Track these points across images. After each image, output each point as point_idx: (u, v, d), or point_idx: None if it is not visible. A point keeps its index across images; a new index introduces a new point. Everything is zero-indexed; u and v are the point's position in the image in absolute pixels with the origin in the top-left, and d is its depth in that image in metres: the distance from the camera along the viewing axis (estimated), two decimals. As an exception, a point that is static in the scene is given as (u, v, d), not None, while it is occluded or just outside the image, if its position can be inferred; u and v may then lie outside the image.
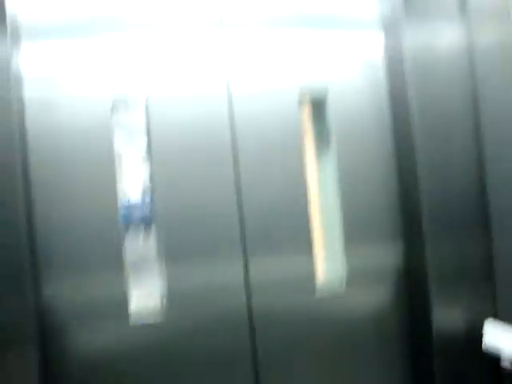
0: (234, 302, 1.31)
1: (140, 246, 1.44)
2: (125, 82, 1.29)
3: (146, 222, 1.46)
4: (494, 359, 1.26)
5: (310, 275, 1.36)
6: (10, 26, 1.16)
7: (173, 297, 1.27)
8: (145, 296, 1.32)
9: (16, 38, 1.21)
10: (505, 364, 1.22)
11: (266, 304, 1.32)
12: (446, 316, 1.34)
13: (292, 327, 1.33)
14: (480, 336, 1.30)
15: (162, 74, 1.30)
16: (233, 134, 1.32)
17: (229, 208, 1.31)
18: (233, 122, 1.33)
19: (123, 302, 1.25)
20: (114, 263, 1.25)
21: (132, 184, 1.50)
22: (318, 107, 1.45)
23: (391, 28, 1.40)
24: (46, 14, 1.26)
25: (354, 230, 1.39)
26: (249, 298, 1.31)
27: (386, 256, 1.42)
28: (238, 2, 1.36)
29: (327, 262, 1.47)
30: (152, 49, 1.30)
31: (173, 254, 1.28)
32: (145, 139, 1.31)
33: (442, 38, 1.37)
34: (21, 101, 1.20)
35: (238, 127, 1.32)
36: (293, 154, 1.36)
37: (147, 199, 1.46)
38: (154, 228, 1.30)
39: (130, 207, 1.48)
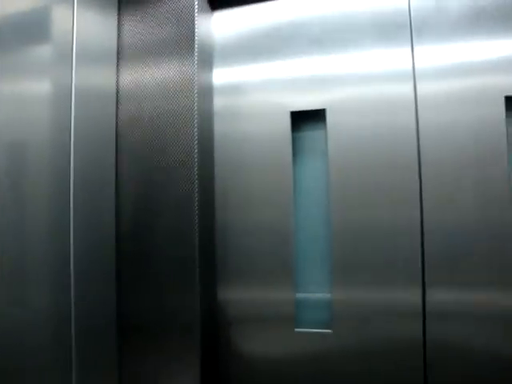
0: (409, 328, 1.21)
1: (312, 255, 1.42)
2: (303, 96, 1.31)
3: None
4: None
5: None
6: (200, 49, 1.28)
7: (341, 309, 1.25)
8: (313, 304, 1.32)
9: (208, 59, 1.35)
10: None
11: (442, 335, 1.18)
12: None
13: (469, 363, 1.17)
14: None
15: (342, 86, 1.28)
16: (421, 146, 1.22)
17: (411, 228, 1.21)
18: (420, 133, 1.22)
19: (290, 309, 1.28)
20: (284, 270, 1.29)
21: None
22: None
23: None
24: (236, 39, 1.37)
25: None
26: (425, 326, 1.20)
27: None
28: None
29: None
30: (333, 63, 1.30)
31: (345, 266, 1.25)
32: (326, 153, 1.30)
33: None
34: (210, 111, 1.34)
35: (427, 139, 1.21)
36: (495, 169, 1.18)
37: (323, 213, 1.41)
38: (330, 240, 1.28)
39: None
